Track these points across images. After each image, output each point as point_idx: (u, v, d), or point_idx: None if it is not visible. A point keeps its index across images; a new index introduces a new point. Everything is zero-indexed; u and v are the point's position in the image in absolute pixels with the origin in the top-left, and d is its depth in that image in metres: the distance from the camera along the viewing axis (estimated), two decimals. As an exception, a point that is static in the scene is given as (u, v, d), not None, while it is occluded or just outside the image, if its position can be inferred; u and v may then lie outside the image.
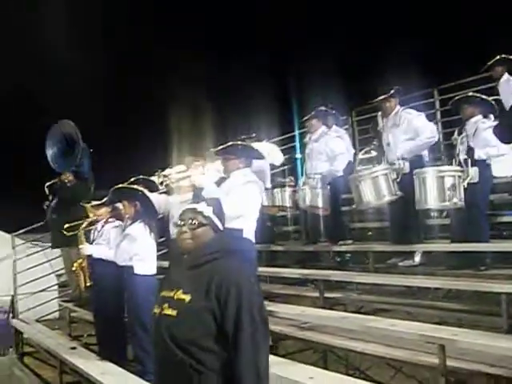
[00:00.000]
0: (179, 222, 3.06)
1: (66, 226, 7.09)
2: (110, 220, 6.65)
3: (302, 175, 7.87)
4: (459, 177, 6.28)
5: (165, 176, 5.57)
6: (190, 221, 3.03)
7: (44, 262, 10.78)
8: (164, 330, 2.82)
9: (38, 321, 9.82)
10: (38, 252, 10.92)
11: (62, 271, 11.49)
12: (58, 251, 9.87)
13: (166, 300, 2.92)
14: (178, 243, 3.06)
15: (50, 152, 8.64)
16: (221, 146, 5.58)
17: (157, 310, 2.95)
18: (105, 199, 6.52)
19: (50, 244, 10.31)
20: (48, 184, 9.06)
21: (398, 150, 6.79)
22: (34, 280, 10.19)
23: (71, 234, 6.86)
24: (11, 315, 10.05)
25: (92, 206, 6.73)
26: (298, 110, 10.18)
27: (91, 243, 6.70)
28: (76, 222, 6.91)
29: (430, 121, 7.37)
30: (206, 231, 3.05)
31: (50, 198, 9.00)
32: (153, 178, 6.46)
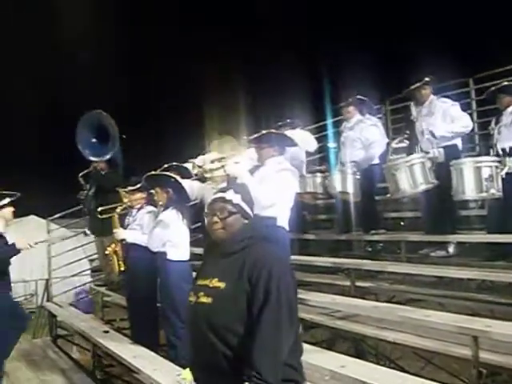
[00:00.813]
0: (209, 212, 3.07)
1: (100, 209, 7.18)
2: (144, 206, 6.71)
3: (335, 163, 7.85)
4: (496, 167, 6.19)
5: (199, 167, 5.58)
6: (220, 210, 3.04)
7: (77, 247, 10.95)
8: (201, 318, 2.85)
9: (71, 305, 9.98)
10: (71, 237, 11.10)
11: (95, 256, 11.68)
12: (92, 237, 9.98)
13: (202, 288, 2.95)
14: (210, 233, 3.08)
15: (82, 141, 8.67)
16: (254, 135, 5.57)
17: (192, 298, 2.98)
18: (139, 185, 6.58)
19: (83, 229, 10.47)
20: (82, 174, 9.10)
21: (432, 137, 6.71)
22: (67, 264, 10.37)
23: (106, 219, 6.93)
24: (45, 298, 10.24)
25: (127, 192, 6.80)
26: (331, 99, 10.11)
27: (125, 228, 6.77)
28: (109, 207, 6.99)
29: (465, 110, 7.26)
30: (237, 219, 3.05)
31: (88, 186, 9.04)
32: (187, 166, 6.49)
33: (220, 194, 3.12)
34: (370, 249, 7.92)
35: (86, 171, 9.08)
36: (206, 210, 3.13)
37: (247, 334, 2.75)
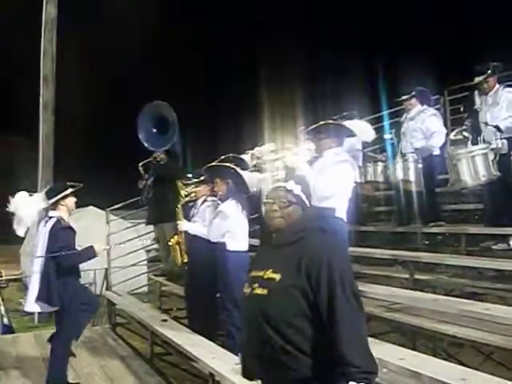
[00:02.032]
0: (269, 201, 3.07)
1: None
2: (207, 198, 6.77)
3: (394, 154, 7.75)
4: None
5: (258, 158, 5.60)
6: (280, 199, 3.04)
7: (135, 238, 11.14)
8: (256, 310, 2.84)
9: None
10: (129, 228, 11.30)
11: (152, 247, 11.88)
12: (148, 227, 10.13)
13: (256, 280, 2.93)
14: (268, 222, 3.07)
15: (143, 131, 8.79)
16: (312, 126, 5.54)
17: (247, 290, 2.97)
18: (203, 177, 6.64)
19: (140, 220, 10.65)
20: (142, 163, 9.25)
21: (498, 131, 6.56)
22: (125, 255, 10.57)
23: (164, 210, 7.03)
24: (105, 287, 10.45)
25: (186, 183, 6.88)
26: (387, 90, 9.99)
27: (190, 219, 6.86)
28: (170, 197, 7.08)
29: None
30: (296, 210, 3.05)
31: (146, 176, 9.17)
32: (244, 157, 6.52)
33: (281, 184, 3.13)
34: (426, 242, 7.82)
35: (145, 161, 9.22)
36: (264, 199, 3.13)
37: (310, 329, 2.73)
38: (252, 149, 6.90)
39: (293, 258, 2.83)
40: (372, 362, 2.69)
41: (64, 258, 6.03)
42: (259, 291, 2.86)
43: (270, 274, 2.87)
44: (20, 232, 6.53)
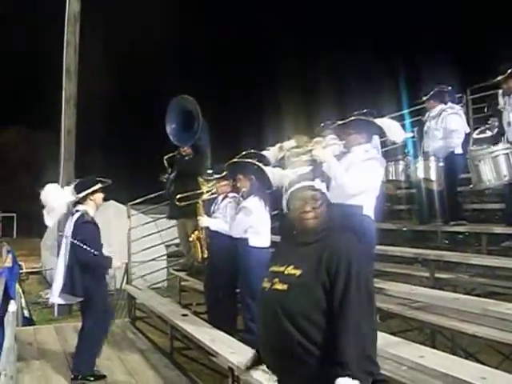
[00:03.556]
0: (300, 201, 3.02)
1: (178, 196, 7.28)
2: (228, 195, 6.79)
3: (415, 152, 7.72)
4: None
5: (287, 150, 5.54)
6: (312, 199, 3.01)
7: (155, 233, 11.21)
8: (276, 304, 2.85)
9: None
10: (149, 222, 11.36)
11: (171, 242, 11.93)
12: (168, 222, 10.16)
13: (277, 275, 2.94)
14: (299, 222, 3.02)
15: (170, 126, 8.77)
16: (342, 121, 5.47)
17: (266, 285, 2.98)
18: (225, 173, 6.66)
19: (160, 215, 10.70)
20: (167, 157, 9.26)
21: None
22: (144, 249, 10.63)
23: (186, 205, 7.06)
24: (125, 281, 10.52)
25: (207, 179, 6.91)
26: (409, 89, 9.95)
27: (211, 215, 6.88)
28: (189, 193, 7.12)
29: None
30: (324, 209, 3.03)
31: (169, 170, 9.18)
32: (266, 153, 6.51)
33: (309, 183, 3.07)
34: (446, 241, 7.79)
35: (171, 154, 9.23)
36: (294, 199, 3.06)
37: (327, 325, 2.74)
38: (273, 145, 6.89)
39: (314, 255, 2.85)
40: (368, 362, 2.71)
41: (80, 251, 6.12)
42: (279, 286, 2.88)
43: (290, 269, 2.88)
44: (49, 222, 6.62)
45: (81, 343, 6.38)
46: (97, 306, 6.29)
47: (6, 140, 50.09)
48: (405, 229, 8.39)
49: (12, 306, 5.31)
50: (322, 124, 7.62)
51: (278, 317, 2.83)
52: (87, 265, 6.20)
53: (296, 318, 2.77)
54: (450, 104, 7.91)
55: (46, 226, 6.97)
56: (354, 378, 2.61)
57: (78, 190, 6.42)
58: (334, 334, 2.69)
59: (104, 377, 6.43)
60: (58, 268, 6.39)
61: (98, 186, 6.44)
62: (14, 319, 5.25)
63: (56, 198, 6.44)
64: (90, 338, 6.36)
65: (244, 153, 6.54)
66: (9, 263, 8.57)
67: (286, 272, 2.90)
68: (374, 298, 2.87)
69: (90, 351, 6.40)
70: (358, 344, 2.69)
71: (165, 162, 9.26)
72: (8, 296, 6.33)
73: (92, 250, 6.15)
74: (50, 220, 6.54)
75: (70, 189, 6.59)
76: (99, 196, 6.49)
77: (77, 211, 6.38)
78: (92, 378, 6.32)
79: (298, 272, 2.85)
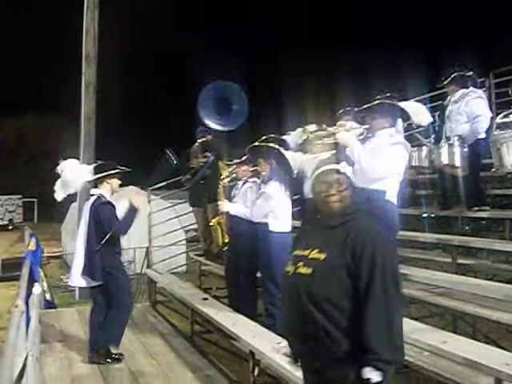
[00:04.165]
0: (324, 185, 3.01)
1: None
2: (249, 179, 6.79)
3: (437, 137, 7.62)
4: None
5: (310, 132, 5.48)
6: (337, 182, 3.00)
7: (174, 218, 11.25)
8: (300, 289, 2.85)
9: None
10: (168, 207, 11.41)
11: (190, 227, 11.97)
12: (187, 208, 10.15)
13: (300, 259, 2.94)
14: (323, 205, 3.01)
15: (206, 111, 8.51)
16: (366, 105, 5.36)
17: (290, 269, 2.98)
18: (245, 157, 6.66)
19: (179, 200, 10.73)
20: (202, 141, 8.97)
21: None
22: (164, 234, 10.70)
23: (207, 189, 7.06)
24: (145, 265, 10.59)
25: (229, 164, 6.91)
26: (431, 73, 9.84)
27: (231, 200, 6.90)
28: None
29: None
30: (349, 192, 3.02)
31: (208, 154, 8.83)
32: (293, 134, 6.47)
33: (333, 166, 3.06)
34: (467, 227, 7.72)
35: (204, 139, 9.01)
36: (318, 183, 3.06)
37: (354, 310, 2.75)
38: (294, 130, 6.85)
39: (338, 239, 2.85)
40: (394, 351, 2.71)
41: (116, 229, 6.19)
42: (303, 270, 2.88)
43: (315, 253, 2.88)
44: (59, 197, 6.68)
45: (104, 324, 6.43)
46: (117, 287, 6.36)
47: (26, 126, 50.62)
48: (425, 215, 8.32)
49: (36, 289, 5.37)
50: (342, 110, 7.55)
51: (301, 301, 2.83)
52: (107, 240, 6.23)
53: (320, 302, 2.78)
54: (471, 88, 7.80)
55: (65, 211, 7.02)
56: (376, 366, 2.63)
57: (96, 171, 6.49)
58: (359, 321, 2.70)
59: (120, 360, 6.49)
60: (76, 251, 6.45)
61: (116, 171, 6.49)
62: (38, 301, 5.30)
63: (73, 171, 6.52)
64: (112, 319, 6.42)
65: (264, 137, 6.52)
66: (32, 247, 8.64)
67: (310, 256, 2.90)
68: (400, 285, 2.85)
69: (111, 335, 6.45)
70: (384, 332, 2.69)
71: (198, 146, 9.10)
72: (32, 279, 6.38)
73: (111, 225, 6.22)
74: (60, 194, 6.62)
75: (89, 168, 6.67)
76: (116, 181, 6.53)
77: (92, 195, 6.45)
78: (109, 360, 6.40)
79: (322, 256, 2.85)
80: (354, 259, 2.76)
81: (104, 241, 6.18)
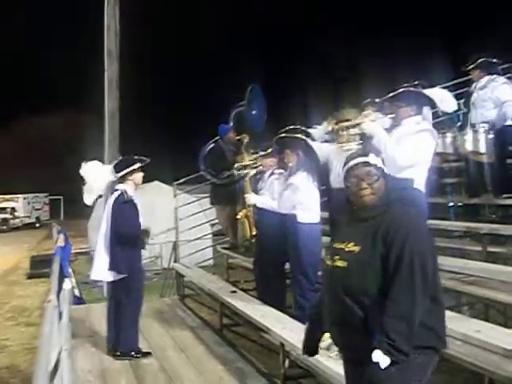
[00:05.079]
0: (356, 178, 3.01)
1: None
2: (275, 171, 6.76)
3: (463, 125, 7.53)
4: None
5: (336, 123, 5.45)
6: (368, 175, 2.99)
7: (200, 212, 11.27)
8: (337, 282, 2.91)
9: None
10: (193, 202, 11.42)
11: (216, 221, 11.98)
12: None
13: (338, 252, 2.97)
14: (357, 199, 3.02)
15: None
16: (391, 93, 5.31)
17: (329, 262, 3.02)
18: (270, 150, 6.63)
19: (204, 194, 10.71)
20: (239, 137, 8.76)
21: None
22: (190, 228, 10.74)
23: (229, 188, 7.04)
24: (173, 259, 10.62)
25: (259, 156, 6.88)
26: (456, 60, 9.71)
27: (257, 192, 6.89)
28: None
29: None
30: (382, 184, 3.01)
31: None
32: (319, 128, 6.43)
33: (363, 158, 3.04)
34: (493, 215, 7.60)
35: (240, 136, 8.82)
36: (346, 175, 3.07)
37: (382, 296, 2.75)
38: (319, 124, 6.81)
39: (372, 230, 2.87)
40: (409, 342, 2.69)
41: (118, 227, 6.28)
42: (340, 263, 2.92)
43: (351, 246, 2.92)
44: (88, 201, 6.73)
45: (121, 321, 6.46)
46: (135, 283, 6.41)
47: (52, 124, 51.21)
48: (451, 204, 8.22)
49: (67, 284, 5.41)
50: (365, 101, 7.50)
51: (339, 293, 2.88)
52: (126, 239, 6.28)
53: (356, 294, 2.82)
54: (495, 75, 7.69)
55: (91, 208, 7.07)
56: (389, 352, 2.64)
57: (117, 169, 6.49)
58: (383, 309, 2.72)
59: (149, 354, 6.52)
60: (98, 245, 6.50)
61: (137, 165, 6.47)
62: (69, 297, 5.35)
63: (95, 178, 6.54)
64: (129, 315, 6.45)
65: (291, 127, 6.46)
66: (61, 243, 8.72)
67: (346, 249, 2.94)
68: (433, 274, 2.82)
69: (130, 328, 6.49)
70: (403, 322, 2.69)
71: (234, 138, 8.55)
72: (62, 274, 6.43)
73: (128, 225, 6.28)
74: (88, 198, 6.66)
75: (109, 168, 6.66)
76: (138, 175, 6.53)
77: (116, 190, 6.46)
78: (139, 355, 6.44)
79: (357, 249, 2.88)
80: (385, 245, 2.78)
81: (123, 239, 6.26)
